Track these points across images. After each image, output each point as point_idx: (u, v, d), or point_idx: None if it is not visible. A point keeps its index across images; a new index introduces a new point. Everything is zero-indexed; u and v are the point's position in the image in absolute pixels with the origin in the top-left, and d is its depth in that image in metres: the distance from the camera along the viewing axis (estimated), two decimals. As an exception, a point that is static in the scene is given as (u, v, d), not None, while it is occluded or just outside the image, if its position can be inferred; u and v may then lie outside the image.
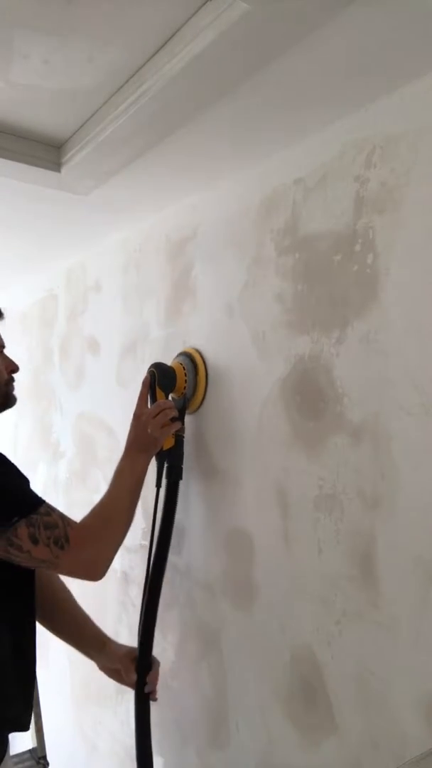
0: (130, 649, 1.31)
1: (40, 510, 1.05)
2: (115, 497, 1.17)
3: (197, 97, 0.96)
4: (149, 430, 1.21)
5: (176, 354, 1.38)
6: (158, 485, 1.29)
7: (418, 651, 0.92)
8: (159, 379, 1.28)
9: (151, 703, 1.32)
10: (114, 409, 1.73)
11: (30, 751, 1.51)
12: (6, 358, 1.29)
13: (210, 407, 1.34)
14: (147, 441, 1.21)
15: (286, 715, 1.15)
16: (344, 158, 1.05)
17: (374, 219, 1.00)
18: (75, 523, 1.10)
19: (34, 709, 1.51)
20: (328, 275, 1.08)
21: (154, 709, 1.32)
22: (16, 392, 1.30)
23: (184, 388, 1.31)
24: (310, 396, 1.10)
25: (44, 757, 1.46)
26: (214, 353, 1.32)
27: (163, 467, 1.30)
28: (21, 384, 2.29)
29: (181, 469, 1.31)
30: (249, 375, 1.24)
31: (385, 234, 0.98)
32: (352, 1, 0.75)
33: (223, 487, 1.30)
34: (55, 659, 1.95)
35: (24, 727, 1.17)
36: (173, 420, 1.23)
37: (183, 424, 1.29)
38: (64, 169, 1.19)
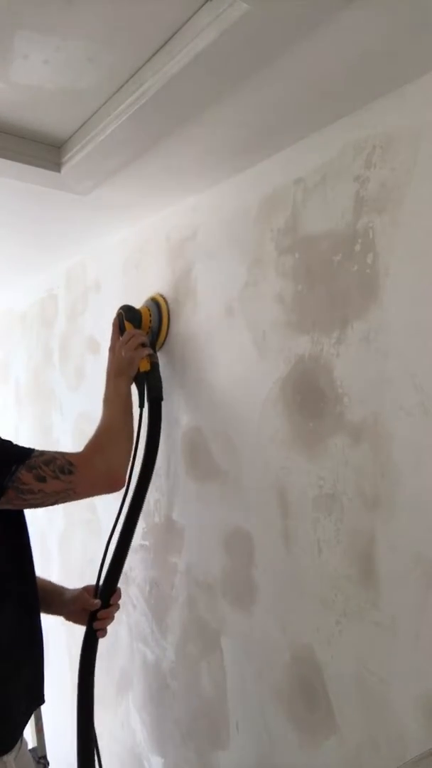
0: (85, 587, 1.35)
1: (33, 454, 1.10)
2: (109, 418, 1.27)
3: (197, 97, 0.96)
4: (123, 353, 1.34)
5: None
6: (141, 405, 1.39)
7: (417, 651, 0.92)
8: (126, 316, 1.43)
9: (151, 703, 1.32)
10: (114, 409, 1.73)
11: (30, 751, 1.51)
12: None
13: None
14: (123, 363, 1.34)
15: (286, 715, 1.15)
16: (344, 158, 1.05)
17: (374, 219, 1.00)
18: (72, 453, 1.16)
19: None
20: (328, 275, 1.08)
21: (154, 708, 1.32)
22: None
23: (150, 323, 1.46)
24: (310, 396, 1.10)
25: (44, 757, 1.46)
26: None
27: (143, 389, 1.39)
28: (21, 384, 2.30)
29: (161, 389, 1.40)
30: (249, 375, 1.24)
31: (385, 234, 0.98)
32: (352, 1, 0.75)
33: (223, 487, 1.31)
34: (55, 659, 1.95)
35: (39, 699, 1.20)
36: (143, 345, 1.37)
37: (154, 351, 1.43)
38: (64, 169, 1.19)
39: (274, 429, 1.18)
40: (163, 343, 1.48)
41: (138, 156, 1.16)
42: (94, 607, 1.30)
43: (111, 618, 1.33)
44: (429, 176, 0.92)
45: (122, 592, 1.68)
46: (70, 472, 1.11)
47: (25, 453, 1.10)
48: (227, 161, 1.23)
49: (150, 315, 1.46)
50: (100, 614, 1.30)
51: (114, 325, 1.43)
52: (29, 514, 1.21)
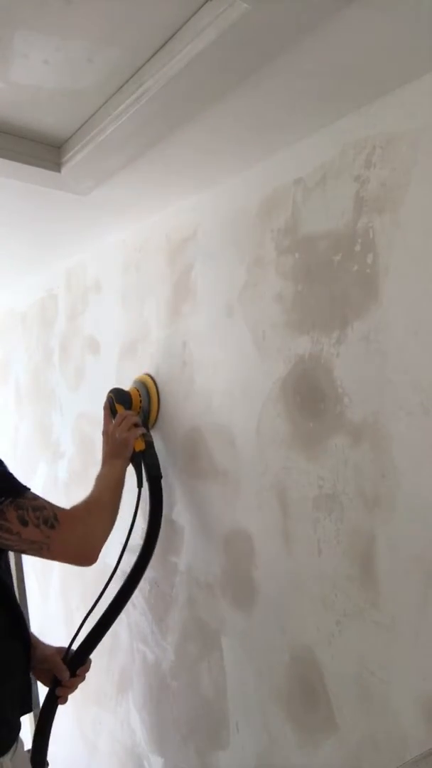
0: (58, 648, 1.31)
1: (27, 495, 1.09)
2: (99, 492, 1.26)
3: (197, 97, 0.96)
4: (117, 435, 1.36)
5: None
6: (140, 485, 1.40)
7: (418, 651, 0.92)
8: (117, 399, 1.47)
9: (151, 703, 1.32)
10: (114, 409, 1.73)
11: (28, 752, 1.51)
12: None
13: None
14: (118, 446, 1.36)
15: (286, 715, 1.15)
16: (344, 158, 1.05)
17: (374, 219, 1.00)
18: (62, 508, 1.14)
19: (33, 710, 1.52)
20: (328, 275, 1.08)
21: (154, 708, 1.32)
22: None
23: (140, 403, 1.49)
24: (310, 396, 1.10)
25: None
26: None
27: (141, 469, 1.41)
28: (21, 384, 2.30)
29: (159, 466, 1.42)
30: (249, 375, 1.24)
31: (385, 234, 0.98)
32: (352, 1, 0.75)
33: (223, 487, 1.31)
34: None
35: (29, 705, 1.20)
36: (136, 426, 1.39)
37: (147, 430, 1.46)
38: (64, 169, 1.19)
39: (274, 429, 1.18)
40: (155, 421, 1.50)
41: (138, 156, 1.16)
42: (63, 678, 1.26)
43: (74, 689, 1.29)
44: (429, 176, 0.92)
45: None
46: (52, 527, 1.09)
47: (20, 490, 1.09)
48: (227, 161, 1.23)
49: (140, 395, 1.50)
50: (65, 683, 1.26)
51: (105, 408, 1.46)
52: None
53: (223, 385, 1.32)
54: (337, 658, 1.05)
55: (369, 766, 0.99)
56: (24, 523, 1.06)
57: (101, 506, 1.22)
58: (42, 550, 1.10)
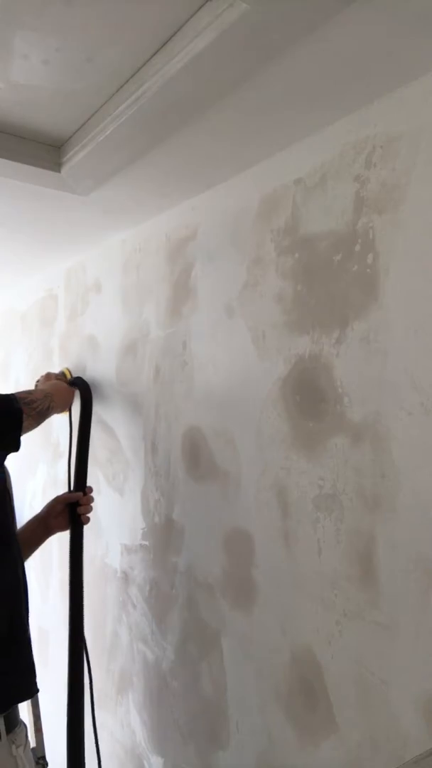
0: (55, 497, 1.56)
1: (20, 407, 1.37)
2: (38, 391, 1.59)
3: (197, 97, 0.96)
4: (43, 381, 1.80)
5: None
6: (73, 384, 1.77)
7: (418, 651, 0.92)
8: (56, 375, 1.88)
9: (151, 703, 1.32)
10: (114, 409, 1.73)
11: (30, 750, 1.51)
12: None
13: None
14: (48, 384, 1.71)
15: (286, 715, 1.15)
16: (344, 158, 1.05)
17: (374, 219, 1.00)
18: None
19: (33, 709, 1.52)
20: (328, 275, 1.08)
21: (154, 709, 1.32)
22: None
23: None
24: (310, 396, 1.10)
25: (43, 757, 1.46)
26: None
27: (73, 380, 1.82)
28: (21, 384, 2.30)
29: (81, 379, 1.80)
30: (249, 375, 1.24)
31: (385, 234, 0.98)
32: (352, 1, 0.75)
33: (223, 487, 1.31)
34: (54, 659, 1.95)
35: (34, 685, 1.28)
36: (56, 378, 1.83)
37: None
38: (64, 169, 1.19)
39: (274, 429, 1.18)
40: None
41: (138, 156, 1.16)
42: (75, 497, 1.52)
43: (90, 503, 1.55)
44: (429, 176, 0.92)
45: (122, 591, 1.68)
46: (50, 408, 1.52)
47: (18, 410, 1.36)
48: (227, 161, 1.23)
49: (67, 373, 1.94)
50: (82, 501, 1.52)
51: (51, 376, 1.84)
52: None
53: (223, 385, 1.32)
54: (337, 658, 1.05)
55: (369, 766, 0.99)
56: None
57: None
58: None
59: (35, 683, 1.26)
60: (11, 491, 1.37)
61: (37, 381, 1.84)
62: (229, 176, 1.29)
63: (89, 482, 1.73)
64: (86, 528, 1.56)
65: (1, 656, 1.19)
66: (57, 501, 1.54)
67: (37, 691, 1.27)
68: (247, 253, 1.25)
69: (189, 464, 1.42)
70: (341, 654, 1.04)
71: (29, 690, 1.25)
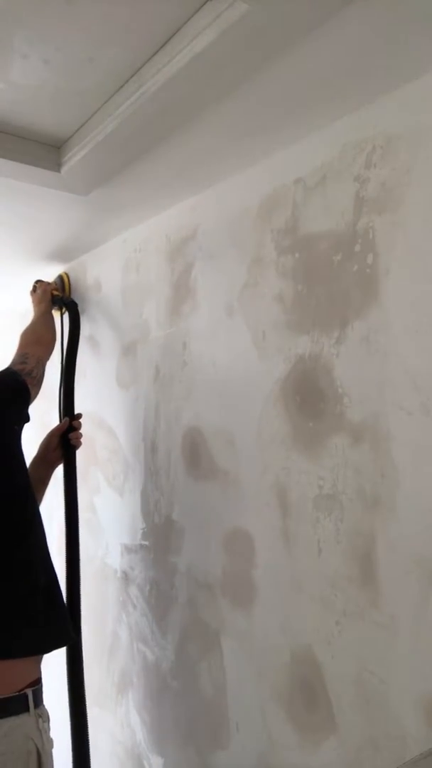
0: (49, 432, 1.60)
1: (21, 375, 1.42)
2: (34, 327, 1.76)
3: (197, 97, 0.96)
4: (38, 291, 1.87)
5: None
6: (60, 309, 1.86)
7: (418, 651, 0.92)
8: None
9: (151, 703, 1.32)
10: (114, 409, 1.73)
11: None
12: None
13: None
14: (40, 296, 1.84)
15: (286, 715, 1.15)
16: (344, 158, 1.05)
17: (374, 219, 1.00)
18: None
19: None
20: (328, 275, 1.08)
21: (154, 709, 1.32)
22: None
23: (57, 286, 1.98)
24: (310, 396, 1.10)
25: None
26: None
27: (61, 304, 1.85)
28: (21, 384, 2.30)
29: (71, 300, 1.83)
30: (249, 375, 1.24)
31: (385, 234, 0.98)
32: (352, 1, 0.75)
33: (223, 487, 1.31)
34: (54, 659, 1.95)
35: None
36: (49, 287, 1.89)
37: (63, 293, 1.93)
38: (64, 169, 1.19)
39: (274, 429, 1.18)
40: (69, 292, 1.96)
41: (138, 156, 1.16)
42: (64, 425, 1.57)
43: (79, 429, 1.59)
44: (429, 176, 0.92)
45: (122, 591, 1.68)
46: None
47: (23, 385, 1.41)
48: (227, 161, 1.23)
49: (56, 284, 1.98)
50: (72, 426, 1.58)
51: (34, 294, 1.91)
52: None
53: (223, 385, 1.32)
54: (337, 658, 1.05)
55: (369, 766, 0.99)
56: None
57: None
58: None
59: (72, 632, 1.35)
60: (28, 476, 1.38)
61: (32, 289, 1.91)
62: (229, 176, 1.29)
63: (89, 482, 1.73)
64: (86, 528, 1.56)
65: (46, 605, 1.26)
66: (51, 435, 1.57)
67: (74, 639, 1.39)
68: (247, 252, 1.25)
69: (189, 464, 1.42)
70: (341, 654, 1.04)
71: (70, 636, 1.35)
